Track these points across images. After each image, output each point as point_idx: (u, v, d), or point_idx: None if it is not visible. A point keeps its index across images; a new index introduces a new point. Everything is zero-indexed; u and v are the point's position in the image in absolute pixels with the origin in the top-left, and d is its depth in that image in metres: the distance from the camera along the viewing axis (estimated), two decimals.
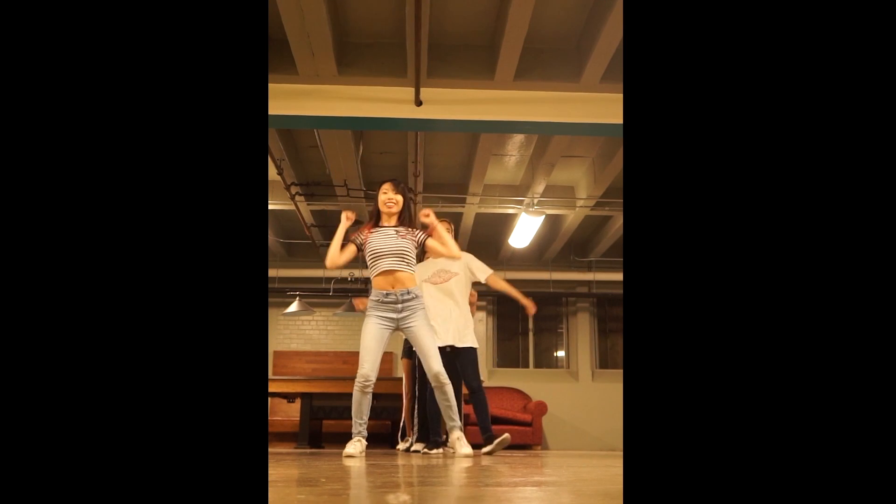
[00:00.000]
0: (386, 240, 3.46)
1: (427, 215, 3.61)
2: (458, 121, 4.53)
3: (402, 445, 5.13)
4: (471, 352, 4.27)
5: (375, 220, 3.58)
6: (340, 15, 4.31)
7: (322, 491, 1.35)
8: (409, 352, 4.97)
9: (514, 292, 4.35)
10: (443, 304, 4.26)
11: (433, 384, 3.41)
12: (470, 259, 4.38)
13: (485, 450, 4.08)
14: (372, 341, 3.41)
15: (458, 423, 3.44)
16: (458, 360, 4.25)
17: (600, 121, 4.54)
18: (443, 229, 3.61)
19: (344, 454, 3.34)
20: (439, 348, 3.77)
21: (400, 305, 3.42)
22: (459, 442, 3.42)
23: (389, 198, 3.54)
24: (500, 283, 4.35)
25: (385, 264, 3.43)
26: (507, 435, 4.16)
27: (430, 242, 3.56)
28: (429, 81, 4.44)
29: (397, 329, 3.48)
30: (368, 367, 3.38)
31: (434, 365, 3.38)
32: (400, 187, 3.59)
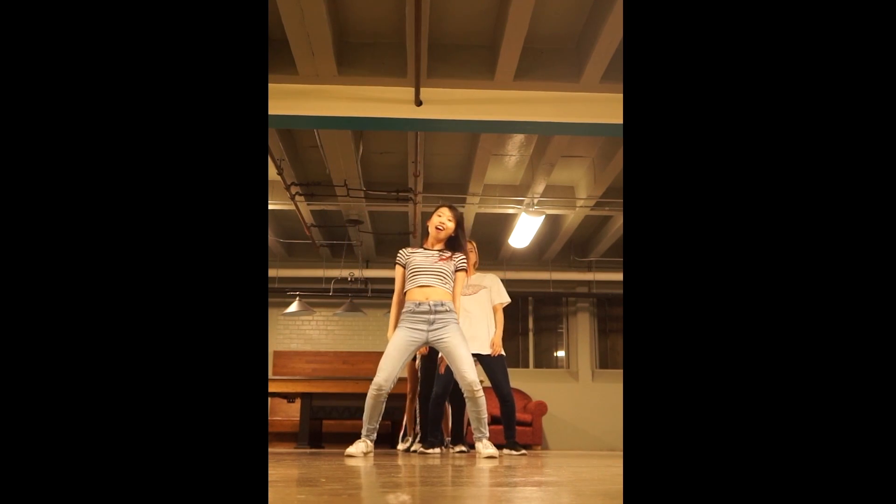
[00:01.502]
0: (428, 260, 3.51)
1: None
2: (458, 121, 4.53)
3: (402, 445, 5.14)
4: (500, 359, 4.35)
5: (423, 235, 3.64)
6: (340, 15, 4.30)
7: (322, 491, 1.35)
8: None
9: (500, 330, 4.47)
10: (472, 315, 4.39)
11: (466, 394, 3.35)
12: (496, 280, 4.59)
13: (505, 451, 4.25)
14: (394, 350, 3.37)
15: (486, 433, 3.42)
16: (487, 367, 4.39)
17: (600, 121, 4.55)
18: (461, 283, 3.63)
19: (345, 453, 3.35)
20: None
21: (432, 317, 3.39)
22: (483, 446, 3.38)
23: (442, 222, 3.56)
24: (500, 316, 4.50)
25: (422, 280, 3.46)
26: (524, 451, 4.40)
27: (458, 276, 3.57)
28: (429, 81, 4.44)
29: (427, 343, 3.44)
30: (384, 377, 3.33)
31: (468, 375, 3.32)
32: (455, 213, 3.61)
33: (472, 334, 4.30)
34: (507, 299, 4.54)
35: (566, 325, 9.22)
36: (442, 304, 3.40)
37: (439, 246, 3.59)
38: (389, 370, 3.34)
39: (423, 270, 3.47)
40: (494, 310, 4.49)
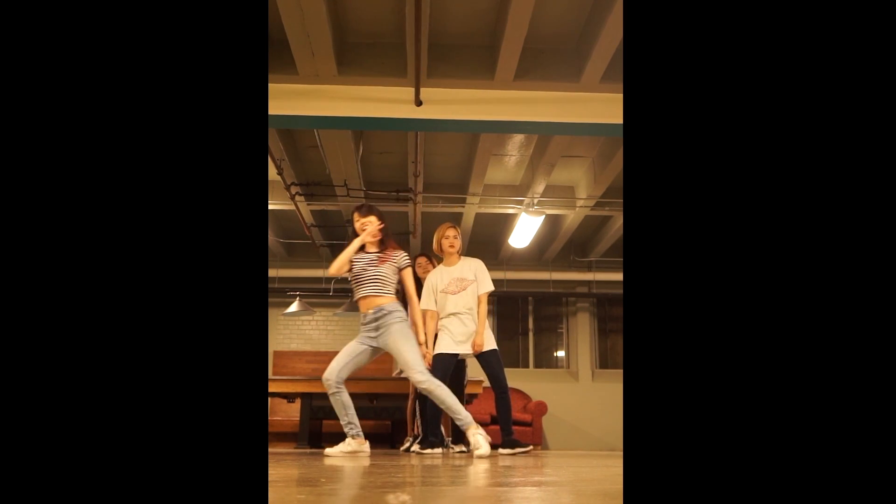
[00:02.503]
0: (365, 266, 3.62)
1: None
2: (458, 121, 4.53)
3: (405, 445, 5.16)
4: (494, 353, 4.32)
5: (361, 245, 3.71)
6: (340, 15, 4.30)
7: (322, 491, 1.35)
8: None
9: (481, 324, 4.29)
10: (462, 315, 4.28)
11: (420, 391, 3.50)
12: (481, 267, 4.37)
13: (503, 451, 4.18)
14: (343, 351, 3.63)
15: (467, 419, 3.45)
16: (483, 362, 4.33)
17: (600, 121, 4.55)
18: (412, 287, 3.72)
19: (349, 452, 3.41)
20: (460, 357, 4.07)
21: (375, 324, 3.58)
22: (478, 438, 3.38)
23: (361, 224, 3.67)
24: (483, 308, 4.30)
25: (362, 291, 3.63)
26: (530, 447, 4.32)
27: (405, 274, 3.67)
28: (429, 81, 4.44)
29: (379, 348, 3.62)
30: (327, 372, 3.57)
31: (415, 374, 3.44)
32: (364, 209, 3.72)
33: (469, 335, 4.25)
34: (491, 287, 4.32)
35: (566, 325, 9.22)
36: (381, 310, 3.56)
37: (374, 247, 3.69)
38: (334, 366, 3.57)
39: (362, 280, 3.62)
40: (479, 300, 4.26)
